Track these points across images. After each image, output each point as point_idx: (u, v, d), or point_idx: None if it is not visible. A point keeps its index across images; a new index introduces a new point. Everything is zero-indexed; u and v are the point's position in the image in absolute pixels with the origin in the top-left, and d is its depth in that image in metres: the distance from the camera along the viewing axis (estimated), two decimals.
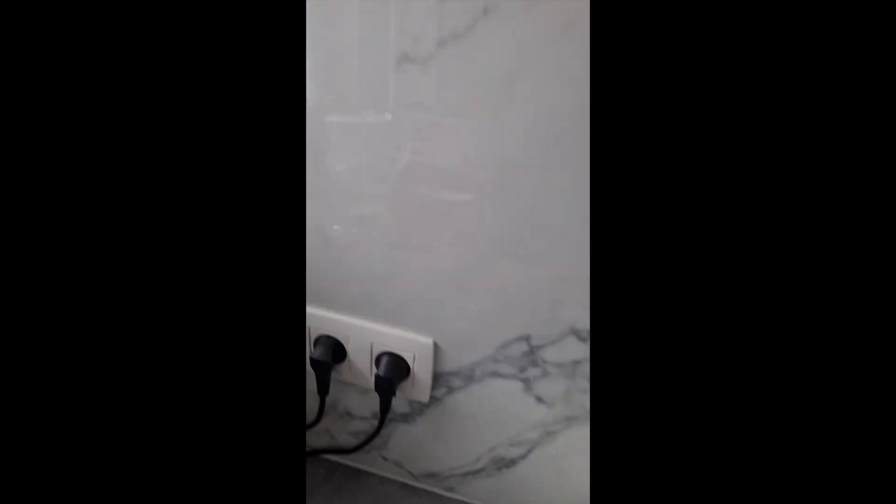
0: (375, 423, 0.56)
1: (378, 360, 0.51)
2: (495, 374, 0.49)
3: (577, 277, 0.41)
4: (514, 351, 0.47)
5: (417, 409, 0.54)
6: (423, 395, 0.52)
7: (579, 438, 0.50)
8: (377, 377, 0.50)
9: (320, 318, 0.52)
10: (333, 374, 0.54)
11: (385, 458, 0.59)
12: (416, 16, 0.37)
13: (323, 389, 0.53)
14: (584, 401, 0.48)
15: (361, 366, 0.52)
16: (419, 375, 0.51)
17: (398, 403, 0.54)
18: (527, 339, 0.46)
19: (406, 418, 0.56)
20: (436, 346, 0.50)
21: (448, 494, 0.59)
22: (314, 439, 0.60)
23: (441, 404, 0.53)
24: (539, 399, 0.49)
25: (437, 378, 0.52)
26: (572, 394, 0.47)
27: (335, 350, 0.52)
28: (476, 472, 0.57)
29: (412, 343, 0.49)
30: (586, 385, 0.47)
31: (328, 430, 0.60)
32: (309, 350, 0.53)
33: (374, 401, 0.54)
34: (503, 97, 0.37)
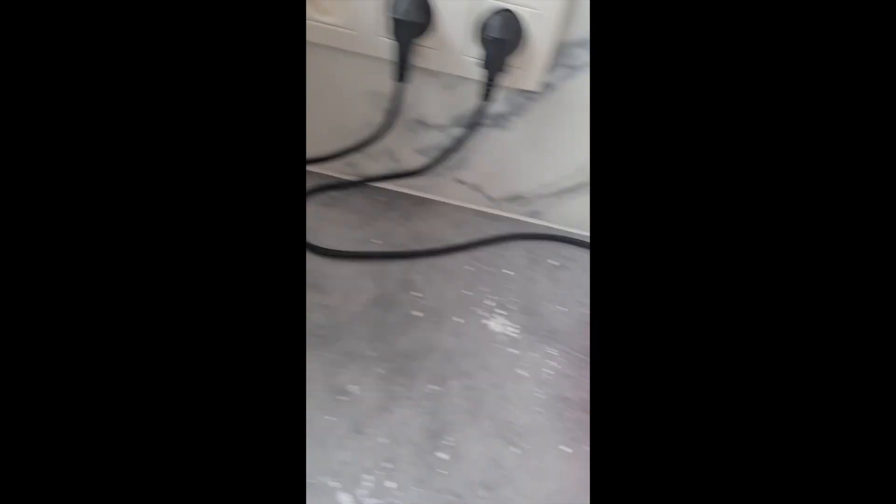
0: (455, 133, 0.47)
1: (485, 26, 0.39)
2: None
3: None
4: None
5: (518, 107, 0.44)
6: (534, 80, 0.42)
7: None
8: (488, 41, 0.38)
9: None
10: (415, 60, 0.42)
11: (461, 182, 0.52)
12: None
13: (402, 74, 0.42)
14: None
15: (454, 36, 0.40)
16: (536, 47, 0.39)
17: (493, 103, 0.44)
18: None
19: (499, 122, 0.46)
20: None
21: (531, 220, 0.53)
22: (369, 164, 0.52)
23: (553, 96, 0.43)
24: None
25: (561, 51, 0.41)
26: None
27: (421, 10, 0.39)
28: (571, 190, 0.50)
29: None
30: None
31: (389, 152, 0.52)
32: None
33: (457, 102, 0.44)
34: None
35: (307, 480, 0.33)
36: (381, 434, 0.36)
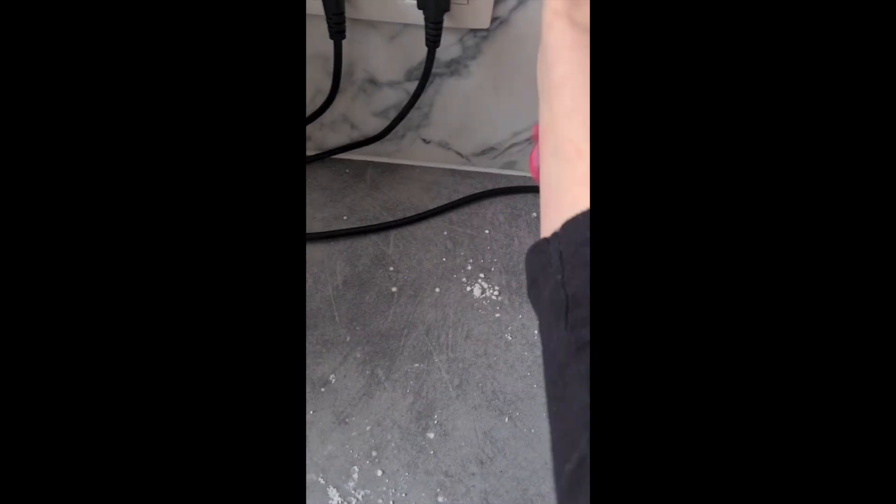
0: (410, 87, 0.42)
1: None
2: None
3: None
4: None
5: (472, 49, 0.40)
6: (483, 17, 0.37)
7: None
8: None
9: None
10: (348, 11, 0.37)
11: (426, 141, 0.48)
12: None
13: (337, 29, 0.37)
14: None
15: None
16: None
17: (443, 48, 0.39)
18: None
19: (454, 69, 0.41)
20: None
21: (507, 172, 0.49)
22: (328, 135, 0.48)
23: (505, 30, 0.38)
24: None
25: None
26: None
27: None
28: None
29: None
30: None
31: (345, 118, 0.48)
32: None
33: (406, 53, 0.40)
34: None
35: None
36: (365, 422, 0.35)
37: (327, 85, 0.43)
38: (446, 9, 0.35)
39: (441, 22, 0.36)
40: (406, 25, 0.39)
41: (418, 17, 0.36)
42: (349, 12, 0.37)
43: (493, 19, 0.37)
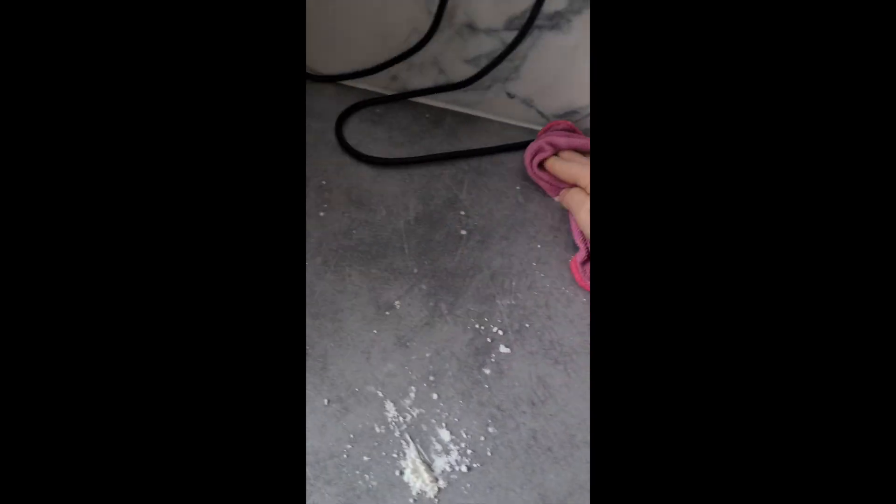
0: (507, 37, 0.42)
1: None
2: None
3: None
4: None
5: (578, 3, 0.39)
6: None
7: None
8: None
9: None
10: None
11: (511, 95, 0.48)
12: None
13: None
14: None
15: None
16: None
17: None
18: None
19: (556, 22, 0.41)
20: None
21: None
22: (415, 77, 0.49)
23: None
24: None
25: None
26: None
27: None
28: None
29: None
30: None
31: (435, 62, 0.49)
32: None
33: (511, 0, 0.41)
34: None
35: (354, 389, 0.34)
36: (425, 349, 0.36)
37: (424, 25, 0.44)
38: None
39: None
40: None
41: None
42: None
43: None
